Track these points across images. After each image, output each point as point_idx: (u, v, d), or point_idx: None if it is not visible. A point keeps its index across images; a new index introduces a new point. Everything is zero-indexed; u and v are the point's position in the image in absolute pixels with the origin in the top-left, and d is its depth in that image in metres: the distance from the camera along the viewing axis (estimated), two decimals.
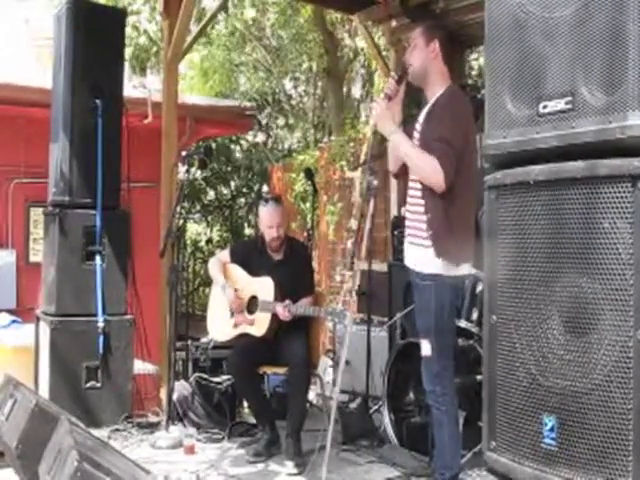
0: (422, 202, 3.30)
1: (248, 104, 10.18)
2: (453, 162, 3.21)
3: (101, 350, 4.71)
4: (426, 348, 3.30)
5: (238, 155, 13.03)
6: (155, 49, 11.68)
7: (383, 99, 3.36)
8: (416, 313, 3.42)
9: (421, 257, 3.32)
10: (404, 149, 3.34)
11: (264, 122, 13.28)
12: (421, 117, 3.44)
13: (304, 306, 4.19)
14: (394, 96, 3.41)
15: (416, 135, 3.42)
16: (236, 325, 4.39)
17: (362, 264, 6.30)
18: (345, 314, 3.79)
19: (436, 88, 3.41)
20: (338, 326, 5.54)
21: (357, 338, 5.19)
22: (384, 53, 7.72)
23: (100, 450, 2.79)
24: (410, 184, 3.44)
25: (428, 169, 3.23)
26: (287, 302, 4.15)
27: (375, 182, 3.34)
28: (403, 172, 3.59)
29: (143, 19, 11.50)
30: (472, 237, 3.36)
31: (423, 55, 3.40)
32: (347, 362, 5.32)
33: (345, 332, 3.54)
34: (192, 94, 11.19)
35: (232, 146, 12.79)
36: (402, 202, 6.45)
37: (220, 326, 4.50)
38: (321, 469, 3.17)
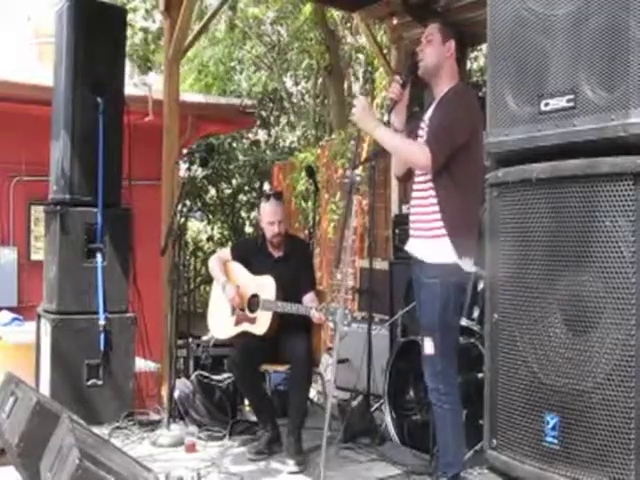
0: (431, 193, 3.32)
1: (249, 102, 10.17)
2: (445, 145, 3.23)
3: (102, 348, 4.71)
4: (429, 346, 3.30)
5: (239, 153, 13.03)
6: (153, 47, 11.67)
7: (361, 97, 3.38)
8: (420, 311, 3.43)
9: (428, 249, 3.34)
10: (388, 140, 3.36)
11: (265, 120, 13.29)
12: (427, 115, 3.45)
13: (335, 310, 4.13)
14: (399, 100, 3.42)
15: (422, 133, 3.43)
16: (237, 323, 4.39)
17: (363, 262, 6.31)
18: (339, 311, 3.77)
19: (444, 86, 3.42)
20: (339, 324, 5.55)
21: (358, 336, 5.18)
22: (385, 51, 7.71)
23: (101, 448, 2.79)
24: (416, 179, 3.46)
25: (412, 150, 3.30)
26: (322, 305, 4.14)
27: (358, 179, 3.35)
28: (407, 176, 3.62)
29: (139, 17, 11.48)
30: (476, 232, 3.37)
31: (439, 51, 3.41)
32: (346, 360, 5.33)
33: (338, 329, 3.54)
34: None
35: (234, 144, 12.79)
36: (403, 200, 6.46)
37: (221, 324, 4.50)
38: (322, 467, 3.18)
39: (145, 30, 11.50)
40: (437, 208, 3.30)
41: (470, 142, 3.29)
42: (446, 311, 3.29)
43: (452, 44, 3.41)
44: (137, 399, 4.95)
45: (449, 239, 3.26)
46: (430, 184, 3.33)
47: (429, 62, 3.41)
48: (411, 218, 3.51)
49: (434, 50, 3.41)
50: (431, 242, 3.34)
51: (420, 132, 3.46)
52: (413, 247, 3.47)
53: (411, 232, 3.50)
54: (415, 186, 3.47)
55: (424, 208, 3.38)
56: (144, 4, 11.36)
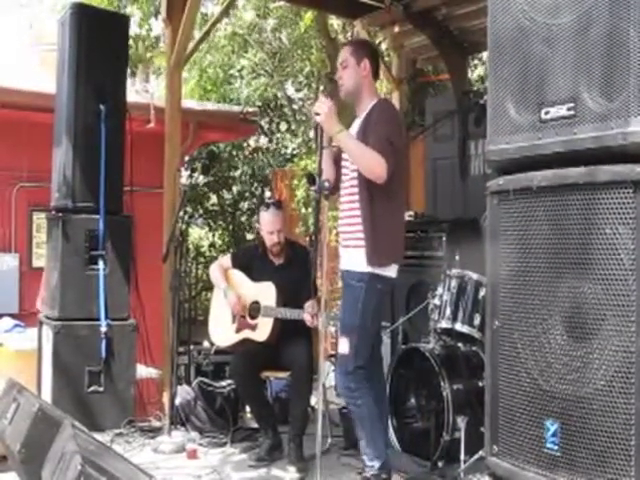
0: (356, 205, 3.46)
1: (250, 109, 10.18)
2: (392, 156, 3.35)
3: (104, 354, 4.71)
4: (344, 346, 3.42)
5: (240, 160, 13.02)
6: (149, 55, 11.61)
7: (326, 99, 3.42)
8: (341, 310, 3.57)
9: (355, 258, 3.47)
10: (350, 145, 3.44)
11: (266, 127, 13.29)
12: (354, 129, 3.57)
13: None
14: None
15: None
16: (238, 330, 4.40)
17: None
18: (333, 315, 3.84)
19: (367, 103, 3.57)
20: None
21: None
22: (386, 59, 7.74)
23: (103, 454, 2.79)
24: (343, 190, 3.60)
25: (372, 161, 3.36)
26: (314, 307, 4.14)
27: (327, 184, 3.39)
28: (335, 184, 3.69)
29: (133, 24, 11.40)
30: (402, 239, 3.56)
31: (355, 74, 3.56)
32: None
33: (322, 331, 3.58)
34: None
35: (235, 152, 12.79)
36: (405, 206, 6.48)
37: (222, 331, 4.51)
38: (323, 473, 3.18)
39: (135, 38, 11.41)
40: (360, 219, 3.44)
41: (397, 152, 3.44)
42: (365, 314, 3.43)
43: (366, 63, 3.56)
44: (138, 406, 4.94)
45: (371, 248, 3.39)
46: (355, 196, 3.47)
47: (348, 85, 3.58)
48: (339, 227, 3.66)
49: (351, 73, 3.57)
50: (355, 251, 3.46)
51: None
52: (341, 256, 3.62)
53: (340, 240, 3.65)
54: (344, 197, 3.59)
55: (350, 219, 3.52)
56: (140, 10, 11.31)
